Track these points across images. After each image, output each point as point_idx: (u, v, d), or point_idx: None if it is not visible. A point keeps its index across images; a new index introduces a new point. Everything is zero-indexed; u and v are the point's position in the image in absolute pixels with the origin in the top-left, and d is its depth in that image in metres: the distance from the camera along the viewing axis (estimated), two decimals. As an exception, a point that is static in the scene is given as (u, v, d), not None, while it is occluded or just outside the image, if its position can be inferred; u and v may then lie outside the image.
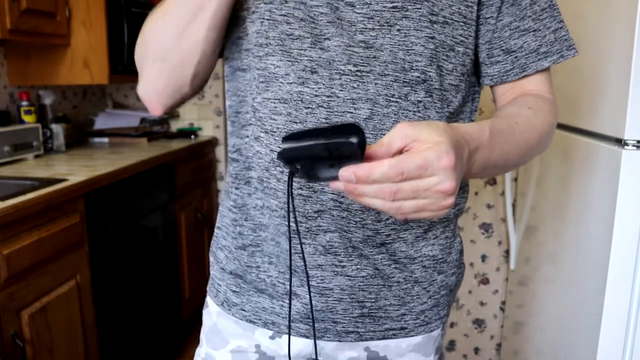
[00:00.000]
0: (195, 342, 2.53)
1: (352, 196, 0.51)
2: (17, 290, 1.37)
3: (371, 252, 0.72)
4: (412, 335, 0.77)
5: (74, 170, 1.79)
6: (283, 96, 0.67)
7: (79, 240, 1.63)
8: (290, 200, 0.57)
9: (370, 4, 0.64)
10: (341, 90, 0.65)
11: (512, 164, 0.69)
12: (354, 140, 0.48)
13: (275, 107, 0.67)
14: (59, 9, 2.02)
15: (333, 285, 0.72)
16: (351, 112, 0.65)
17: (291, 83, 0.66)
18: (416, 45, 0.65)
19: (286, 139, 0.52)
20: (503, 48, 0.70)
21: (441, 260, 0.77)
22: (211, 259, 0.86)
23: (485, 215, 2.05)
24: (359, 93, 0.65)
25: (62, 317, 1.55)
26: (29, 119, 2.12)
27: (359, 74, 0.65)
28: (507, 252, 2.06)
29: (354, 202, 0.67)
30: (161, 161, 2.20)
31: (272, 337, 0.78)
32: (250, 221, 0.76)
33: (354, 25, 0.64)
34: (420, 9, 0.64)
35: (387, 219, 0.70)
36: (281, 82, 0.67)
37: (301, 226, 0.70)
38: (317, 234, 0.70)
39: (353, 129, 0.49)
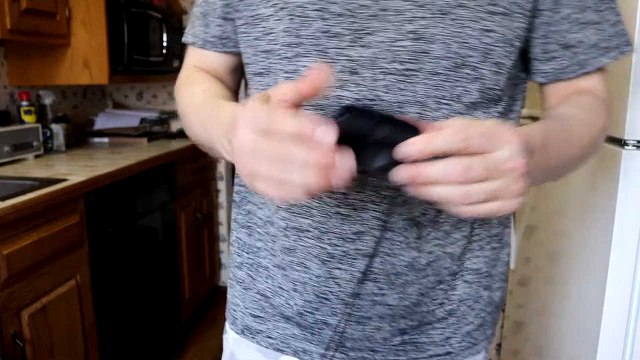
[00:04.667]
0: (195, 342, 2.54)
1: (414, 186, 0.45)
2: (17, 290, 1.37)
3: (416, 276, 0.64)
4: None
5: (74, 170, 1.79)
6: (319, 102, 0.59)
7: (79, 240, 1.63)
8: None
9: None
10: (386, 93, 0.57)
11: (569, 168, 0.64)
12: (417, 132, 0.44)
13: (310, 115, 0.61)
14: (59, 9, 2.02)
15: (371, 314, 0.65)
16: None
17: (328, 86, 0.58)
18: (472, 37, 0.56)
19: (347, 110, 0.46)
20: (561, 42, 0.62)
21: (486, 274, 0.70)
22: (230, 280, 0.78)
23: (485, 215, 2.04)
24: (407, 95, 0.57)
25: (62, 317, 1.55)
26: (29, 119, 2.12)
27: (406, 72, 0.57)
28: (507, 252, 2.05)
29: (400, 219, 0.61)
30: (161, 161, 2.20)
31: None
32: (279, 241, 0.68)
33: (402, 14, 0.56)
34: None
35: (433, 236, 0.64)
36: None
37: (336, 249, 0.63)
38: (355, 259, 0.62)
39: (414, 128, 0.45)
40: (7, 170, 1.79)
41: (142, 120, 2.67)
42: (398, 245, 0.62)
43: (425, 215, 0.63)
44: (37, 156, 2.07)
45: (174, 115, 2.93)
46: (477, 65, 0.58)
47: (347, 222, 0.61)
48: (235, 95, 0.77)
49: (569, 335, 1.31)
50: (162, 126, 2.84)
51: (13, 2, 1.73)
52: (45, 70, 2.21)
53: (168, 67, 2.57)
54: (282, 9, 0.60)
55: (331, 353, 0.69)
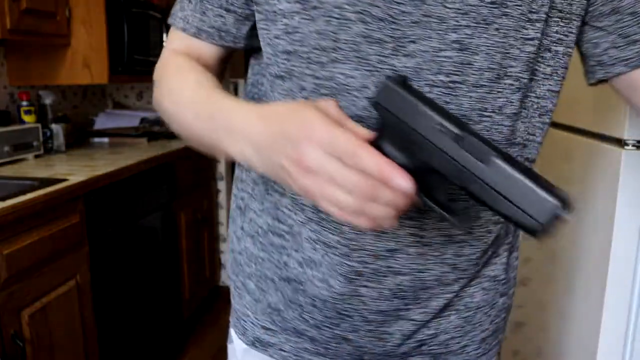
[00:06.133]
0: (195, 342, 2.54)
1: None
2: (17, 290, 1.37)
3: (443, 290, 0.63)
4: None
5: (74, 170, 1.79)
6: (358, 113, 0.55)
7: (79, 240, 1.63)
8: None
9: None
10: None
11: None
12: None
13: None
14: (59, 9, 2.02)
15: (394, 329, 0.64)
16: None
17: (371, 97, 0.54)
18: (513, 47, 0.54)
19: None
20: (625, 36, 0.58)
21: (503, 280, 0.69)
22: (233, 288, 0.75)
23: (485, 215, 2.04)
24: (452, 108, 0.55)
25: (62, 317, 1.55)
26: (29, 119, 2.12)
27: (451, 85, 0.54)
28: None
29: (437, 234, 0.60)
30: (161, 161, 2.20)
31: None
32: (301, 253, 0.64)
33: (445, 23, 0.53)
34: (521, 6, 0.53)
35: (468, 252, 0.63)
36: (356, 96, 0.55)
37: (366, 267, 0.60)
38: (385, 276, 0.60)
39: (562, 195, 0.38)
40: (7, 170, 1.79)
41: (142, 120, 2.67)
42: (432, 260, 0.61)
43: (467, 232, 0.62)
44: (37, 156, 2.07)
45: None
46: (520, 75, 0.56)
47: (382, 239, 0.59)
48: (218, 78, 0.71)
49: (569, 335, 1.31)
50: (162, 126, 2.83)
51: (13, 2, 1.73)
52: (45, 70, 2.21)
53: (168, 67, 2.57)
54: (314, 7, 0.54)
55: None
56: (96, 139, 2.60)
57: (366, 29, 0.53)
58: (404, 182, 0.41)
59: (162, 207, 2.22)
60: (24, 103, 2.11)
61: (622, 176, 1.06)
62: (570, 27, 0.57)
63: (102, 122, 2.67)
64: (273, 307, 0.68)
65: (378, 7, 0.52)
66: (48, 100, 2.25)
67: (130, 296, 1.95)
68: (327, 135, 0.42)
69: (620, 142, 1.07)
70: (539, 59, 0.57)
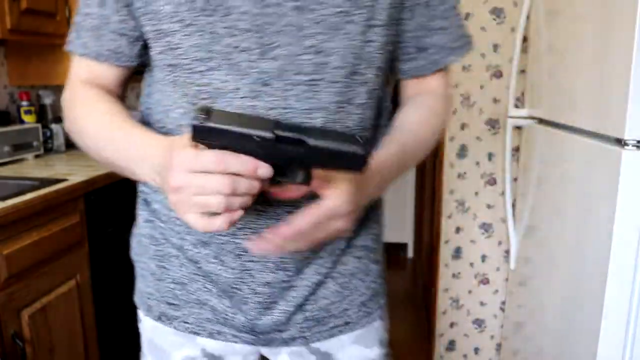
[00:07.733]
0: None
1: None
2: (17, 290, 1.37)
3: (325, 261, 0.74)
4: (358, 329, 0.80)
5: (74, 170, 1.79)
6: (234, 111, 0.64)
7: (79, 240, 1.63)
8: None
9: (317, 9, 0.63)
10: (297, 101, 0.65)
11: (409, 169, 0.77)
12: (359, 151, 0.52)
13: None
14: (59, 9, 2.02)
15: (279, 299, 0.73)
16: (307, 122, 0.66)
17: (243, 97, 0.64)
18: (360, 49, 0.66)
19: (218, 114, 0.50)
20: (418, 46, 0.74)
21: (374, 249, 0.80)
22: (137, 269, 0.83)
23: (485, 215, 2.05)
24: (313, 102, 0.65)
25: (62, 317, 1.55)
26: (29, 119, 2.12)
27: (311, 83, 0.65)
28: (507, 252, 2.06)
29: None
30: (161, 161, 2.20)
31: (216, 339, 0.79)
32: (194, 235, 0.73)
33: (302, 31, 0.63)
34: (363, 13, 0.65)
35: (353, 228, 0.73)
36: (231, 97, 0.64)
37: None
38: None
39: (352, 138, 0.52)
40: (7, 170, 1.79)
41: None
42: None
43: None
44: (37, 156, 2.07)
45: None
46: (364, 71, 0.68)
47: (262, 216, 0.68)
48: (124, 103, 0.79)
49: (569, 335, 1.31)
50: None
51: (13, 2, 1.73)
52: (45, 70, 2.21)
53: (168, 67, 2.57)
54: (189, 25, 0.63)
55: (244, 335, 0.76)
56: (96, 139, 2.60)
57: (235, 40, 0.63)
58: (265, 170, 0.52)
59: (162, 207, 2.22)
60: (24, 103, 2.11)
61: (622, 176, 1.06)
62: (395, 32, 0.71)
63: (102, 122, 2.66)
64: (177, 282, 0.76)
65: (245, 20, 0.62)
66: (48, 100, 2.25)
67: (130, 296, 1.94)
68: (191, 159, 0.52)
69: (620, 142, 1.07)
70: (384, 59, 0.70)
